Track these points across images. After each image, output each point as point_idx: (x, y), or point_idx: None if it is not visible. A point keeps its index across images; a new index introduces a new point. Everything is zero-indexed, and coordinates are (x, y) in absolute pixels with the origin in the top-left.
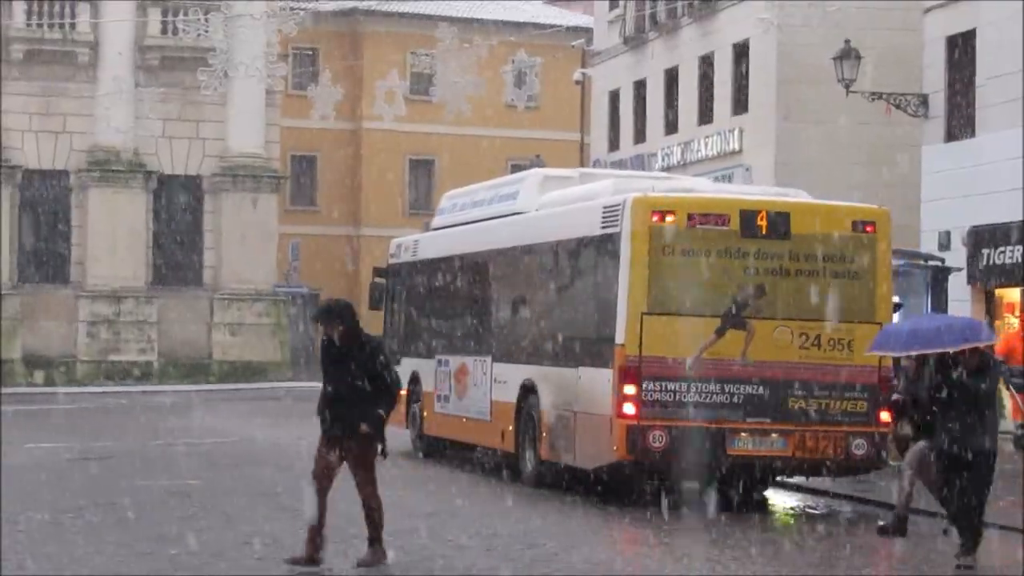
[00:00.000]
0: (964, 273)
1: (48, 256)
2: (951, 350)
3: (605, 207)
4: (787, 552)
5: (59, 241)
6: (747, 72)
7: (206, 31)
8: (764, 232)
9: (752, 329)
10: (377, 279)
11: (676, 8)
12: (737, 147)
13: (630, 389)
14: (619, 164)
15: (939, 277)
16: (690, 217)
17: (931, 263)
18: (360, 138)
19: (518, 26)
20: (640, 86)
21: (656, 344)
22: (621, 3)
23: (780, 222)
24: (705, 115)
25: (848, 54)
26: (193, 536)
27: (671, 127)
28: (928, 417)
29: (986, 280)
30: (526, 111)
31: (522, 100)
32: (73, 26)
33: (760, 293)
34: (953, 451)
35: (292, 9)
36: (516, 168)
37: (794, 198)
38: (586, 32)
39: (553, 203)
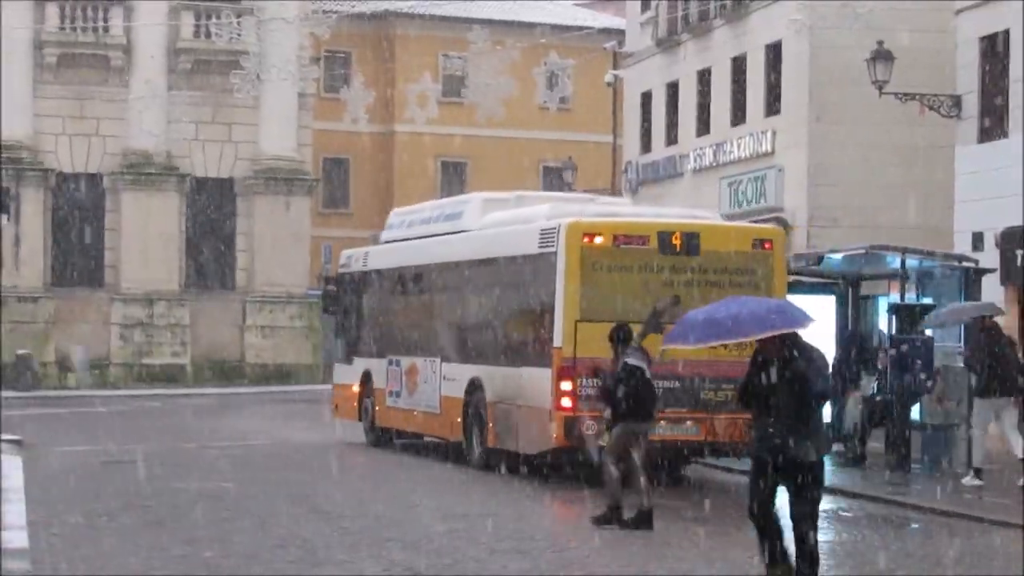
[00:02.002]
0: (998, 274)
1: (81, 259)
2: (753, 339)
3: (543, 230)
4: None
5: (92, 244)
6: (780, 73)
7: (239, 34)
8: (678, 249)
9: None
10: (329, 287)
11: (708, 10)
12: (770, 148)
13: (566, 385)
14: (651, 166)
15: (972, 279)
16: (615, 238)
17: (964, 264)
18: (392, 141)
19: (550, 28)
20: (672, 88)
21: (588, 347)
22: (653, 5)
23: (691, 241)
24: (738, 116)
25: (881, 55)
26: (227, 539)
27: (703, 128)
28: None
29: (1020, 281)
30: (558, 113)
31: (554, 102)
32: (106, 29)
33: (676, 302)
34: (764, 457)
35: (324, 12)
36: (548, 170)
37: (705, 220)
38: (618, 34)
39: (495, 223)
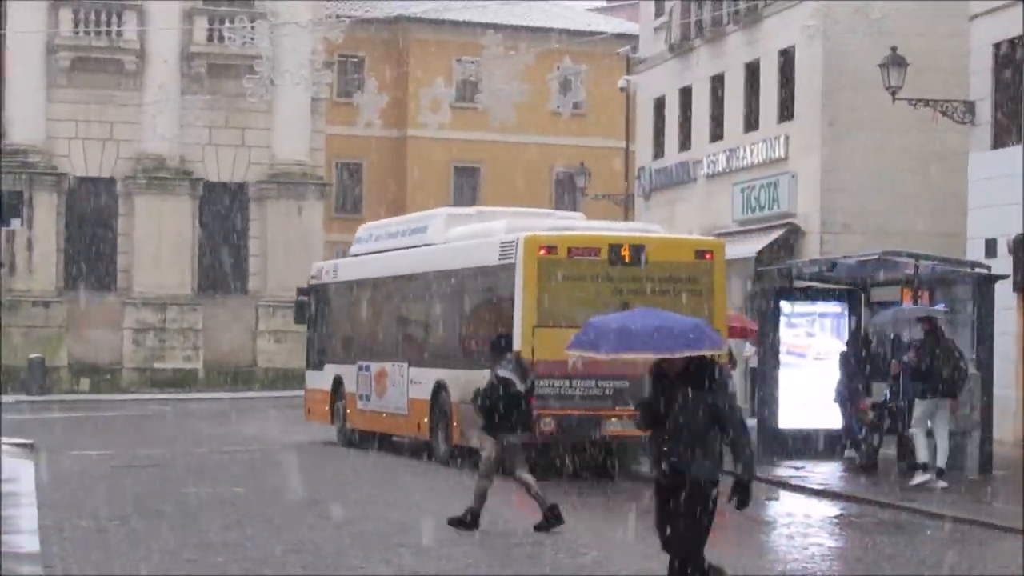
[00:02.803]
0: (1010, 281)
1: (94, 263)
2: (670, 356)
3: (503, 243)
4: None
5: (105, 249)
6: (793, 79)
7: (252, 39)
8: (627, 261)
9: None
10: (301, 297)
11: (722, 15)
12: (783, 154)
13: None
14: (664, 171)
15: (985, 285)
16: (569, 250)
17: (977, 271)
18: (405, 145)
19: (563, 33)
20: (686, 93)
21: (545, 350)
22: (667, 10)
23: (638, 252)
24: (751, 122)
25: (895, 61)
26: (238, 544)
27: (717, 134)
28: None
29: None
30: (571, 118)
31: (567, 107)
32: (120, 34)
33: (625, 308)
34: (663, 480)
35: (338, 16)
36: (562, 175)
37: (651, 233)
38: (632, 39)
39: (459, 237)
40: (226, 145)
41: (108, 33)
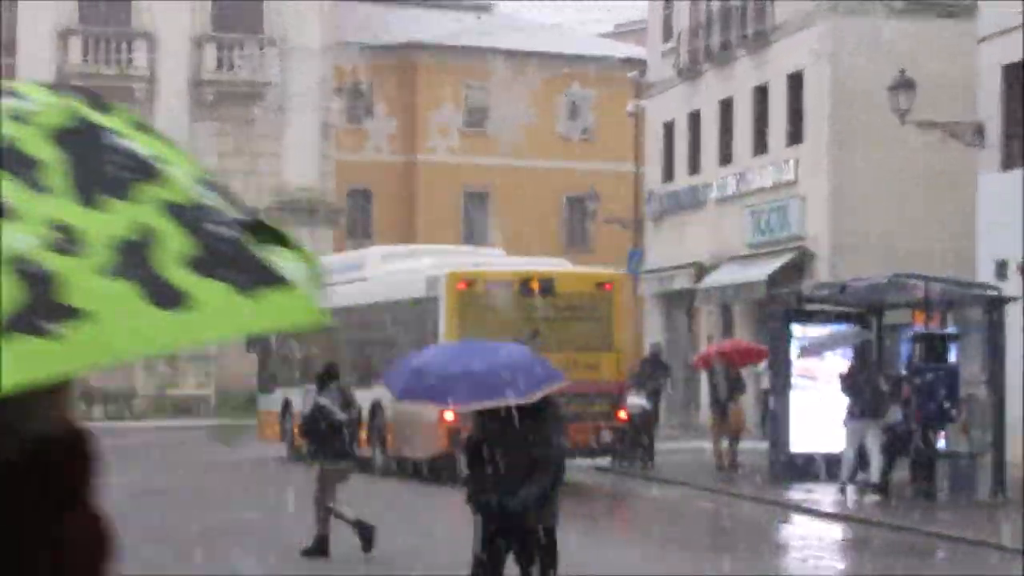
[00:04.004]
0: (1021, 303)
1: None
2: (527, 401)
3: (428, 278)
4: None
5: None
6: (801, 102)
7: (261, 66)
8: (536, 292)
9: None
10: None
11: (730, 39)
12: (792, 177)
13: None
14: (674, 195)
15: (996, 307)
16: (486, 284)
17: (988, 292)
18: (415, 170)
19: (571, 58)
20: (694, 117)
21: None
22: (675, 35)
23: (547, 285)
24: (760, 145)
25: (903, 84)
26: (255, 572)
27: (726, 158)
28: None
29: None
30: (580, 143)
31: (576, 132)
32: (130, 61)
33: (535, 334)
34: (490, 521)
35: (347, 43)
36: (571, 200)
37: (558, 268)
38: (640, 64)
39: (391, 273)
40: (236, 172)
41: (118, 62)
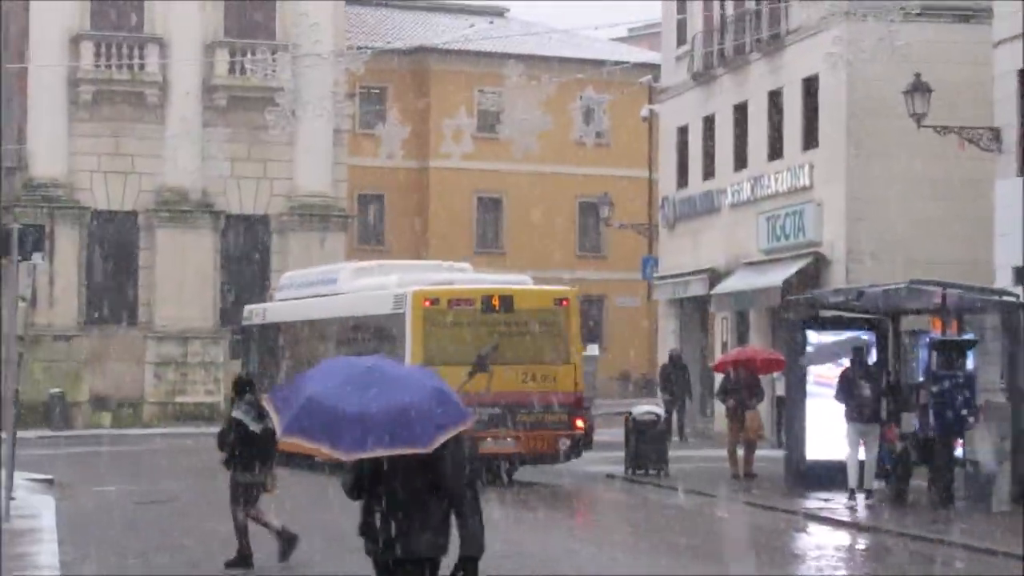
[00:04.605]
0: None
1: (116, 297)
2: (435, 446)
3: (395, 295)
4: None
5: (127, 282)
6: (817, 107)
7: (274, 71)
8: (496, 308)
9: (492, 371)
10: (235, 336)
11: (744, 44)
12: (808, 182)
13: None
14: (688, 201)
15: (1013, 313)
16: (450, 302)
17: (1005, 299)
18: (428, 176)
19: (585, 63)
20: (709, 122)
21: None
22: (689, 39)
23: (507, 301)
24: (775, 150)
25: (919, 87)
26: None
27: (740, 163)
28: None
29: None
30: (594, 148)
31: (590, 137)
32: (142, 67)
33: (496, 348)
34: (377, 557)
35: (359, 48)
36: (585, 205)
37: (517, 285)
38: (654, 68)
39: (362, 288)
40: (248, 177)
41: (130, 66)
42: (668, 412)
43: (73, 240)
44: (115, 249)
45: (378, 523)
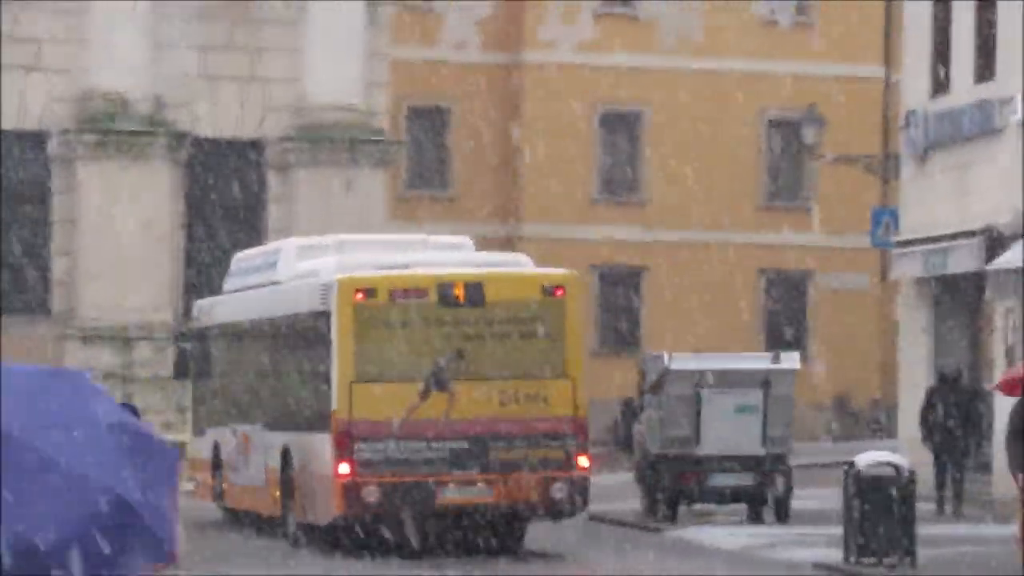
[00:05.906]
0: None
1: (13, 275)
2: None
3: (321, 286)
4: None
5: (32, 250)
6: None
7: None
8: (460, 301)
9: (454, 391)
10: (180, 344)
11: None
12: None
13: (344, 450)
14: (950, 116)
15: None
16: (391, 293)
17: None
18: (521, 78)
19: None
20: None
21: (365, 409)
22: None
23: (475, 291)
24: None
25: None
26: None
27: None
28: None
29: None
30: (792, 31)
31: (786, 14)
32: None
33: (459, 357)
34: None
35: None
36: (777, 125)
37: (491, 269)
38: None
39: (299, 275)
40: (228, 78)
41: None
42: (938, 467)
43: None
44: (12, 196)
45: None
